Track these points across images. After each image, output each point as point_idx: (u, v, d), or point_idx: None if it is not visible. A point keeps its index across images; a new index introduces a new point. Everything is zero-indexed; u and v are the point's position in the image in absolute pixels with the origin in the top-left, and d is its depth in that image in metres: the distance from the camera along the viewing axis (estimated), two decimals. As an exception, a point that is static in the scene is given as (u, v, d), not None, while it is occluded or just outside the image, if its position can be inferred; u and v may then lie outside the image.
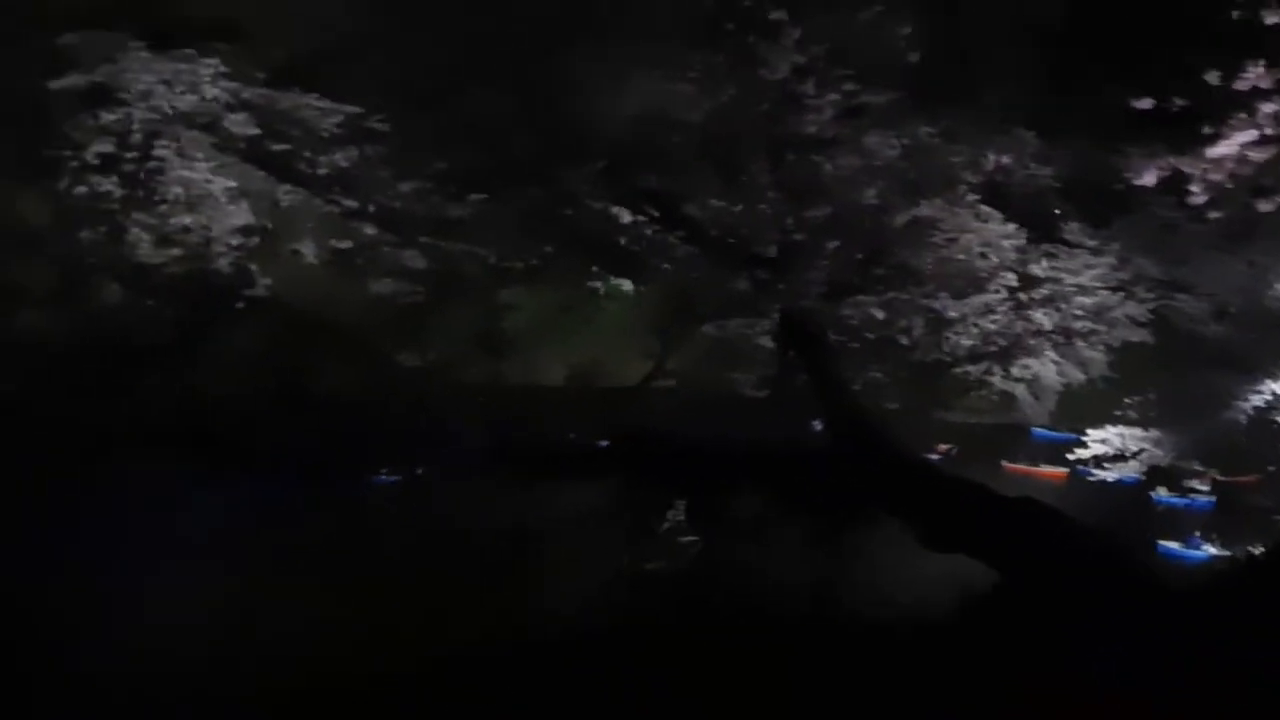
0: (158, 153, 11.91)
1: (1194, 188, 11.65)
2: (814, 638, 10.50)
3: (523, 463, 12.57)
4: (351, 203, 12.62)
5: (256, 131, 12.21)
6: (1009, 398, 13.77)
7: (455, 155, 12.25)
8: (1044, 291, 13.25)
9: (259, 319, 12.38)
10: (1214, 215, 12.03)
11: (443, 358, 12.85)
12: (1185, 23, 11.34)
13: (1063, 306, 13.35)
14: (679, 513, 12.89)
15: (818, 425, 13.31)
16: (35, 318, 11.72)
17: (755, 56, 11.65)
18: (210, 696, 8.47)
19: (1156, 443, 13.71)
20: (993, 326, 13.26)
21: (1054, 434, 14.32)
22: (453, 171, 12.37)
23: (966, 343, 13.33)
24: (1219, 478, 13.78)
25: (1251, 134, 11.24)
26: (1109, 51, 12.09)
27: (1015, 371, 13.59)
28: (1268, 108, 11.06)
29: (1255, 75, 10.95)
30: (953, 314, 13.17)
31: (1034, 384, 13.71)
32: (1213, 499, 13.76)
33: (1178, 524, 13.36)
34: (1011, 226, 13.03)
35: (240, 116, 12.12)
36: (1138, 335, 13.41)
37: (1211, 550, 12.96)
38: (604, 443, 13.33)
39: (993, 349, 13.39)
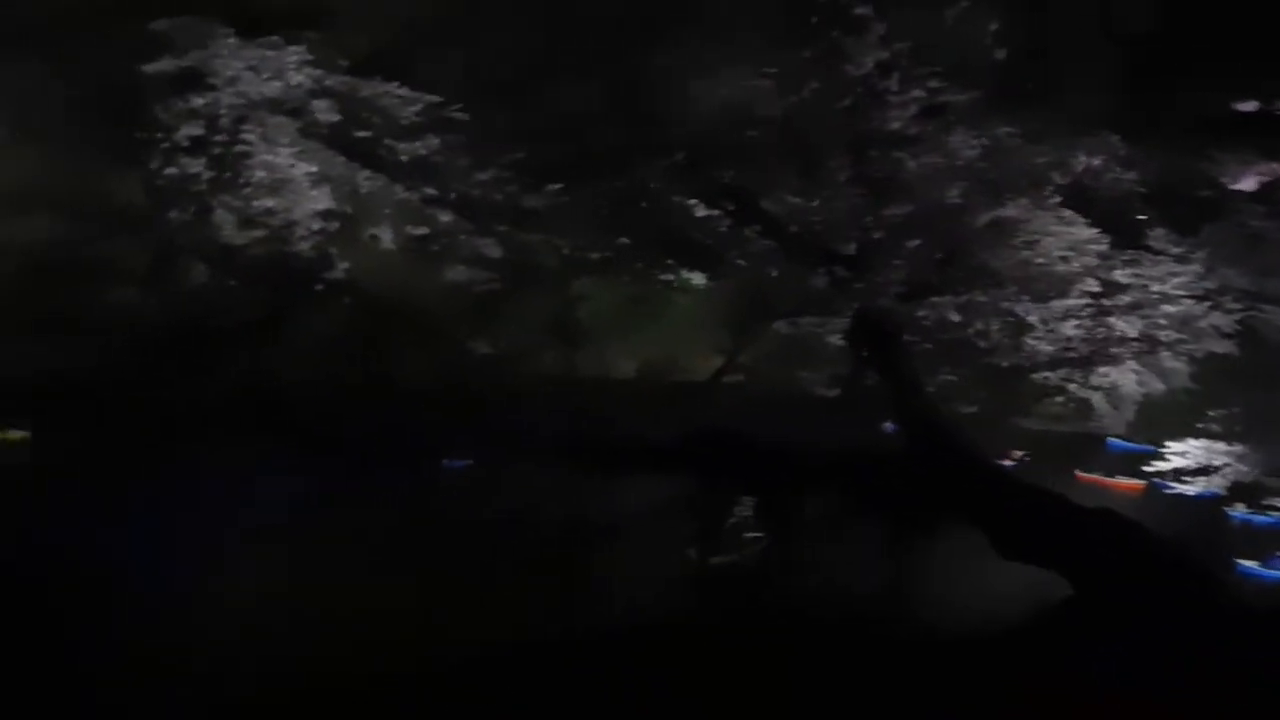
0: (243, 137, 12.15)
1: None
2: (878, 641, 10.41)
3: (592, 455, 12.57)
4: (430, 190, 12.74)
5: (338, 118, 12.40)
6: (1086, 406, 13.51)
7: (533, 146, 12.31)
8: (1126, 299, 12.95)
9: (337, 303, 12.56)
10: (1308, 225, 11.69)
11: (515, 347, 12.90)
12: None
13: (1145, 314, 13.05)
14: (747, 510, 12.84)
15: (890, 427, 13.14)
16: (126, 296, 12.02)
17: (839, 52, 11.54)
18: (282, 672, 8.61)
19: (1239, 458, 13.32)
20: (1072, 332, 12.99)
21: (1131, 445, 14.00)
22: (530, 162, 12.44)
23: (1045, 348, 13.08)
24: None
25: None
26: (1200, 54, 11.82)
27: (1094, 379, 13.33)
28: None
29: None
30: (1031, 318, 12.94)
31: (1112, 393, 13.43)
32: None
33: (1258, 542, 12.98)
34: (1094, 231, 12.76)
35: (323, 103, 12.33)
36: (1223, 346, 13.03)
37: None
38: (673, 437, 13.28)
39: (1071, 355, 13.12)
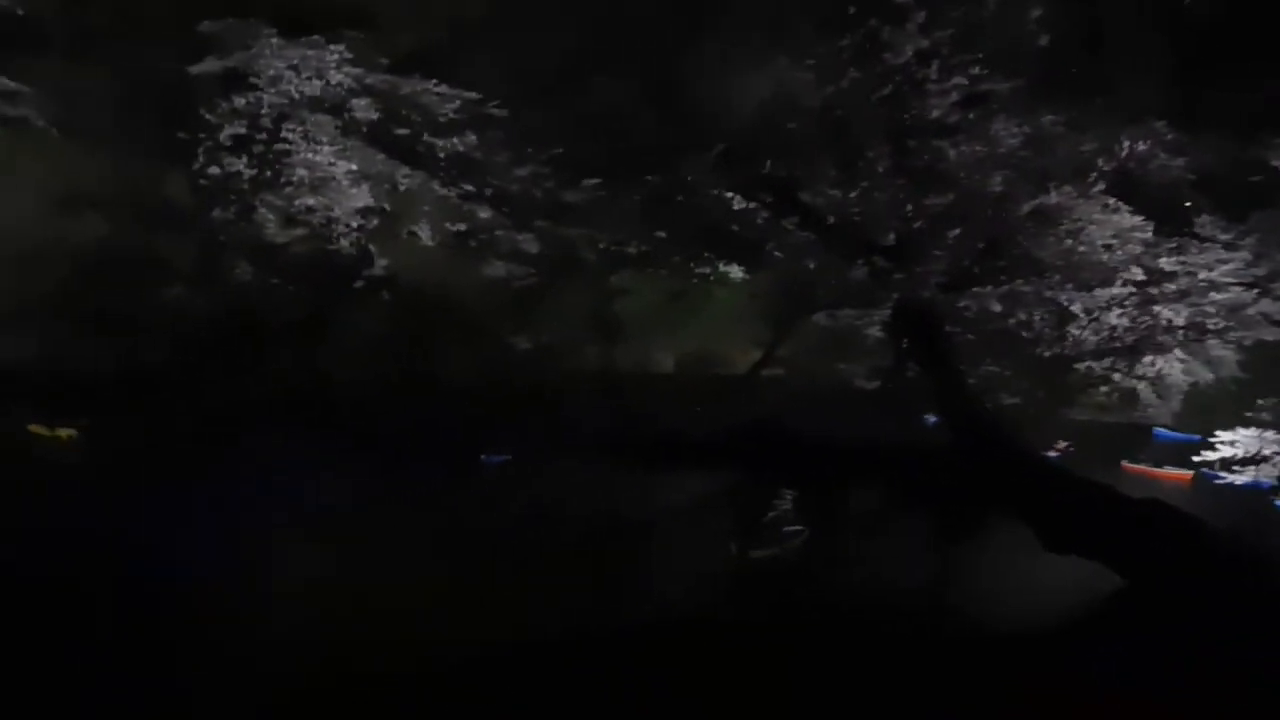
0: (285, 135, 12.30)
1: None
2: (922, 637, 10.35)
3: (632, 450, 12.59)
4: (469, 186, 12.82)
5: (378, 116, 12.50)
6: (1132, 396, 13.34)
7: (572, 141, 12.32)
8: (1173, 287, 12.74)
9: (377, 300, 12.68)
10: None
11: (555, 342, 12.95)
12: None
13: (1192, 302, 12.83)
14: (789, 505, 12.79)
15: (932, 420, 13.05)
16: (172, 295, 12.21)
17: (878, 39, 11.45)
18: (319, 670, 8.71)
19: (1291, 448, 13.16)
20: (1118, 321, 12.81)
21: (1179, 435, 13.83)
22: (568, 157, 12.46)
23: (1090, 338, 12.91)
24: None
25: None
26: (1247, 37, 11.63)
27: (1140, 369, 13.17)
28: None
29: None
30: (1076, 308, 12.78)
31: (1159, 382, 13.26)
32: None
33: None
34: (1140, 219, 12.55)
35: (363, 101, 12.43)
36: (1272, 334, 12.82)
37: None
38: (714, 432, 13.27)
39: (1117, 345, 12.95)
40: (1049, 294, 12.61)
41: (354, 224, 12.70)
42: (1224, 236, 12.70)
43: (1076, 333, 12.98)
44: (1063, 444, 14.06)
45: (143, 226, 11.98)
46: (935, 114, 11.98)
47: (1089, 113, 12.12)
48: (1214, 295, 12.73)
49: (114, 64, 11.37)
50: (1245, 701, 8.76)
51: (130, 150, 11.70)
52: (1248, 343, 13.00)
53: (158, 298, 12.10)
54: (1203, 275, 12.76)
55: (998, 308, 12.72)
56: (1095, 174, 12.28)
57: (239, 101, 12.04)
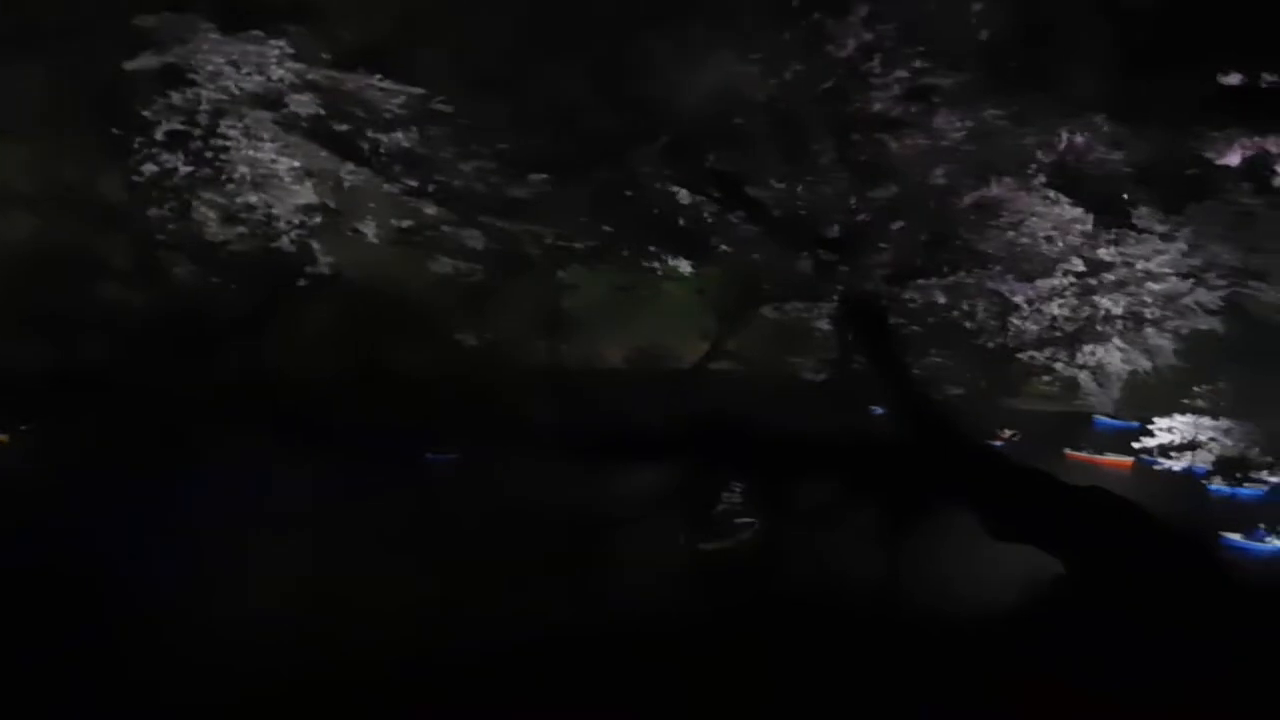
0: (225, 132, 12.06)
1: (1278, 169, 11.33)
2: (872, 626, 10.48)
3: (582, 444, 12.57)
4: (413, 182, 12.68)
5: (321, 112, 12.30)
6: (1073, 385, 13.54)
7: (517, 136, 12.24)
8: (1112, 277, 12.96)
9: (323, 297, 12.51)
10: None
11: (503, 338, 12.87)
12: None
13: (1131, 293, 13.05)
14: (738, 497, 12.84)
15: (878, 410, 13.18)
16: (111, 293, 11.97)
17: (822, 33, 11.49)
18: (270, 667, 8.65)
19: (1225, 433, 13.48)
20: (1058, 312, 13.00)
21: (1119, 422, 14.10)
22: (514, 152, 12.36)
23: (1032, 328, 13.09)
24: (1288, 469, 13.51)
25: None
26: (1187, 31, 11.82)
27: (1080, 358, 13.34)
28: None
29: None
30: (1018, 299, 12.94)
31: (1099, 371, 13.45)
32: (1280, 491, 13.49)
33: (1243, 516, 13.11)
34: (1080, 211, 12.74)
35: (305, 97, 12.22)
36: (1208, 323, 13.07)
37: (1277, 543, 12.72)
38: (663, 426, 13.30)
39: (1058, 335, 13.14)
40: (992, 285, 12.76)
41: (298, 221, 12.51)
42: (1161, 228, 12.91)
43: (1019, 323, 13.15)
44: (1007, 433, 14.27)
45: (79, 225, 11.74)
46: (880, 107, 12.05)
47: (1030, 106, 12.25)
48: (1151, 285, 12.96)
49: (47, 60, 11.13)
50: (1184, 679, 9.00)
51: (66, 148, 11.45)
52: (1184, 331, 13.21)
53: (96, 299, 11.86)
54: (1141, 265, 12.99)
55: (942, 299, 12.84)
56: (1036, 167, 12.44)
57: (177, 97, 11.79)
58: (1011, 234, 12.72)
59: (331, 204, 12.66)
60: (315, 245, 12.66)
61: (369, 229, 12.77)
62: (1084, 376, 13.56)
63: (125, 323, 11.82)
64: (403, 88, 12.32)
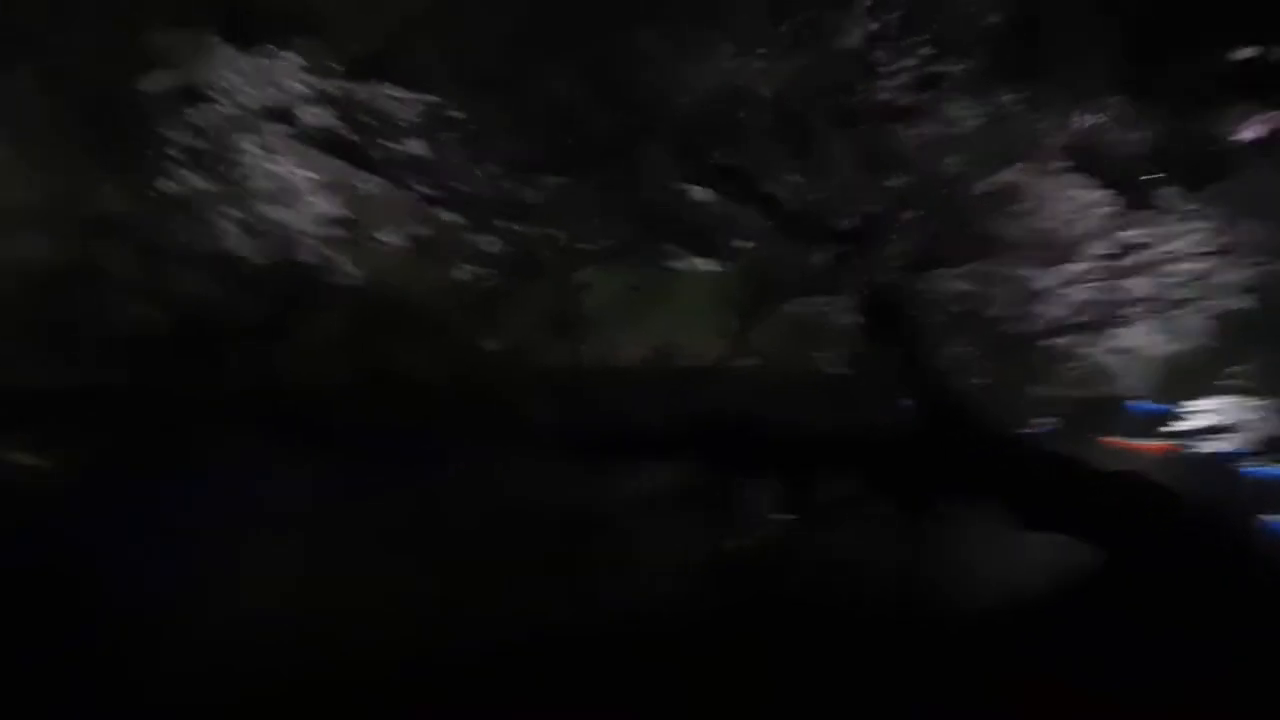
0: (240, 146, 12.22)
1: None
2: (902, 625, 10.34)
3: (602, 446, 12.54)
4: (428, 190, 12.77)
5: (335, 123, 12.44)
6: (1103, 370, 13.34)
7: (529, 139, 12.28)
8: (1136, 259, 12.77)
9: (341, 306, 12.60)
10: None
11: (521, 341, 12.88)
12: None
13: (1157, 275, 12.86)
14: (761, 496, 12.74)
15: (903, 404, 13.02)
16: (131, 310, 12.13)
17: (825, 24, 11.44)
18: (281, 675, 8.70)
19: (1263, 413, 13.17)
20: (1083, 297, 12.84)
21: (1152, 406, 13.86)
22: (526, 155, 12.40)
23: (1056, 314, 12.92)
24: (1332, 448, 13.20)
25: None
26: (1199, 6, 11.67)
27: (1108, 343, 13.16)
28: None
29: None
30: (1040, 285, 12.78)
31: (1129, 355, 13.27)
32: (1325, 471, 13.17)
33: (1280, 496, 12.84)
34: (1102, 193, 12.60)
35: (319, 108, 12.37)
36: (1239, 302, 12.82)
37: (1319, 525, 12.44)
38: (685, 424, 13.23)
39: (1083, 320, 12.96)
40: (1012, 272, 12.61)
41: (315, 232, 12.64)
42: (1186, 207, 12.72)
43: (1042, 309, 12.98)
44: (1039, 421, 14.06)
45: (93, 242, 11.93)
46: (892, 97, 11.98)
47: (1044, 91, 12.13)
48: (1177, 267, 12.75)
49: (60, 80, 11.36)
50: (1225, 674, 8.77)
51: (80, 167, 11.66)
52: (1215, 312, 12.97)
53: (117, 314, 12.03)
54: (1166, 247, 12.80)
55: (963, 288, 12.73)
56: (1052, 151, 12.30)
57: (190, 114, 11.98)
58: (1033, 220, 12.61)
59: (349, 214, 12.79)
60: (333, 255, 12.76)
61: (385, 237, 12.88)
62: (1114, 361, 13.38)
63: (147, 339, 11.96)
64: (414, 95, 12.44)
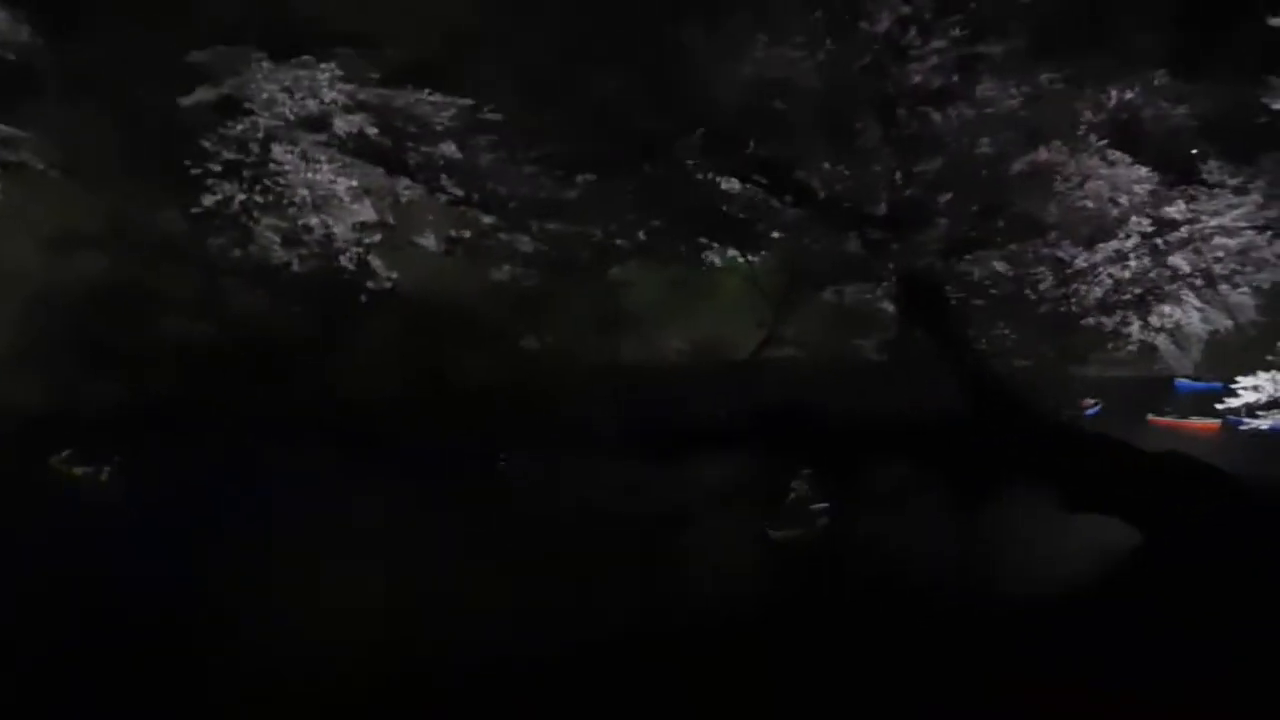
0: (282, 157, 12.44)
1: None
2: (950, 605, 10.34)
3: (653, 445, 12.63)
4: (466, 192, 12.93)
5: (374, 130, 12.62)
6: (1150, 348, 13.13)
7: (564, 139, 12.36)
8: (1182, 235, 12.58)
9: (386, 311, 12.79)
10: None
11: (564, 341, 12.99)
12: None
13: (1205, 250, 12.64)
14: (811, 485, 12.74)
15: (944, 388, 12.95)
16: (183, 325, 12.43)
17: (855, 9, 11.40)
18: (348, 674, 8.92)
19: (1314, 387, 12.94)
20: (1126, 275, 12.66)
21: (1201, 384, 13.65)
22: (562, 155, 12.49)
23: (1099, 293, 12.74)
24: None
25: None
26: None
27: (1155, 320, 12.95)
28: None
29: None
30: (1082, 264, 12.62)
31: (1177, 332, 13.05)
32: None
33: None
34: (1147, 170, 12.43)
35: (358, 117, 12.56)
36: (1289, 276, 12.60)
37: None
38: (731, 417, 13.30)
39: (1127, 298, 12.77)
40: (1051, 251, 12.48)
41: (358, 239, 12.84)
42: (1233, 181, 12.54)
43: (1091, 289, 12.81)
44: (1088, 401, 13.94)
45: (147, 260, 12.19)
46: (929, 80, 11.89)
47: (1087, 68, 12.00)
48: (1225, 241, 12.53)
49: (108, 102, 11.64)
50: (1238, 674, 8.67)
51: (131, 185, 11.95)
52: (1264, 286, 12.74)
53: (171, 330, 12.30)
54: (1214, 222, 12.59)
55: (1002, 269, 12.60)
56: (1092, 128, 12.16)
57: (235, 127, 12.22)
58: (1077, 198, 12.47)
59: (390, 220, 12.99)
60: (377, 261, 12.97)
61: (427, 241, 13.06)
62: (1161, 339, 13.17)
63: (201, 352, 12.23)
64: (451, 100, 12.60)
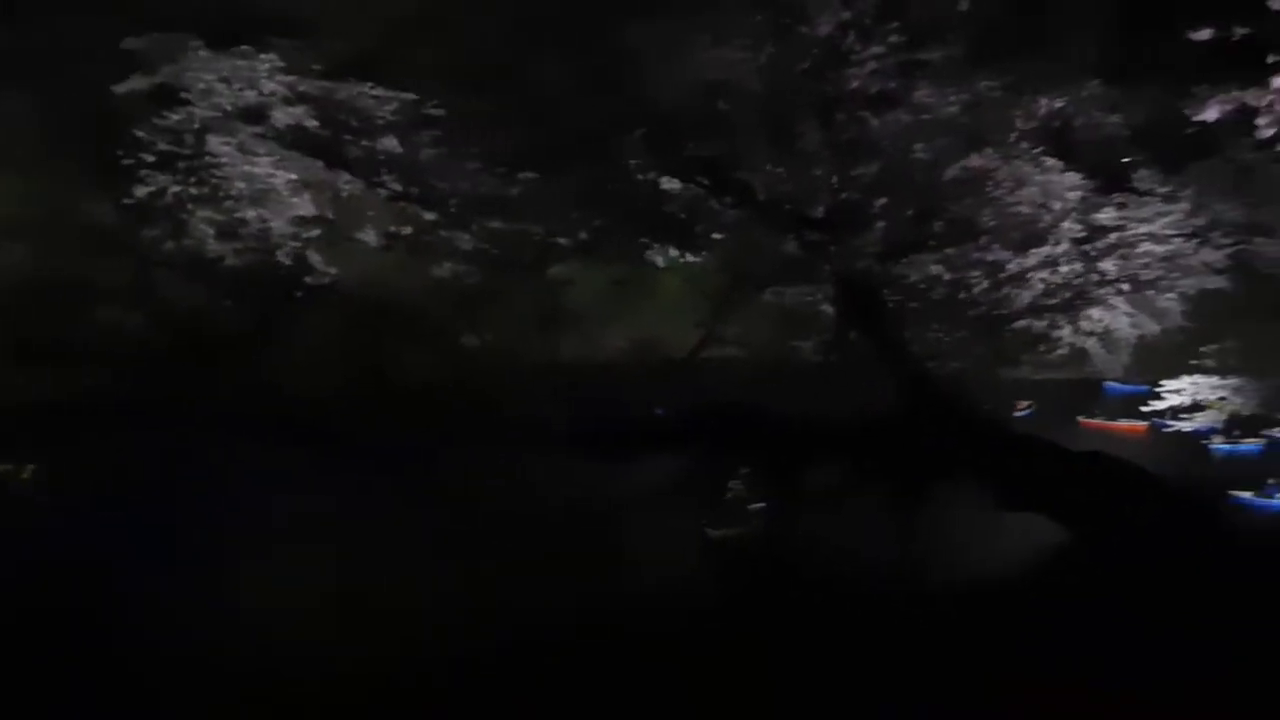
0: (219, 149, 12.23)
1: (1262, 121, 11.17)
2: (888, 603, 10.47)
3: (592, 442, 12.64)
4: (407, 188, 12.82)
5: (314, 123, 12.46)
6: (1080, 352, 13.41)
7: (506, 135, 12.33)
8: (1112, 241, 12.83)
9: (326, 307, 12.66)
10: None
11: (505, 338, 12.96)
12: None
13: (1133, 256, 12.91)
14: (747, 483, 12.84)
15: (881, 389, 13.12)
16: (115, 318, 12.19)
17: (796, 12, 11.49)
18: (288, 672, 8.84)
19: (1236, 391, 13.30)
20: (1058, 279, 12.89)
21: (1129, 387, 13.97)
22: (504, 152, 12.46)
23: (1031, 297, 12.98)
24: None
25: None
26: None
27: (1085, 324, 13.23)
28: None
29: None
30: (1021, 268, 12.84)
31: (1106, 337, 13.33)
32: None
33: (1256, 473, 12.94)
34: (1079, 177, 12.63)
35: (298, 109, 12.39)
36: (1214, 282, 12.89)
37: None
38: (668, 415, 13.36)
39: (1057, 302, 13.03)
40: (984, 256, 12.68)
41: (296, 233, 12.67)
42: (1162, 189, 12.77)
43: (1017, 292, 13.04)
44: (1021, 404, 14.22)
45: (77, 251, 11.94)
46: (867, 85, 12.02)
47: (1021, 75, 12.18)
48: (1153, 248, 12.81)
49: (37, 88, 11.37)
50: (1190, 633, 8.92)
51: (60, 174, 11.68)
52: (1190, 292, 13.05)
53: (102, 322, 12.06)
54: (1144, 229, 12.84)
55: (937, 272, 12.80)
56: (1025, 135, 12.36)
57: (170, 117, 11.99)
58: (1010, 204, 12.65)
59: (330, 215, 12.83)
60: (316, 256, 12.81)
61: (368, 237, 12.93)
62: (1092, 343, 13.44)
63: (134, 346, 12.01)
64: (394, 94, 12.47)
